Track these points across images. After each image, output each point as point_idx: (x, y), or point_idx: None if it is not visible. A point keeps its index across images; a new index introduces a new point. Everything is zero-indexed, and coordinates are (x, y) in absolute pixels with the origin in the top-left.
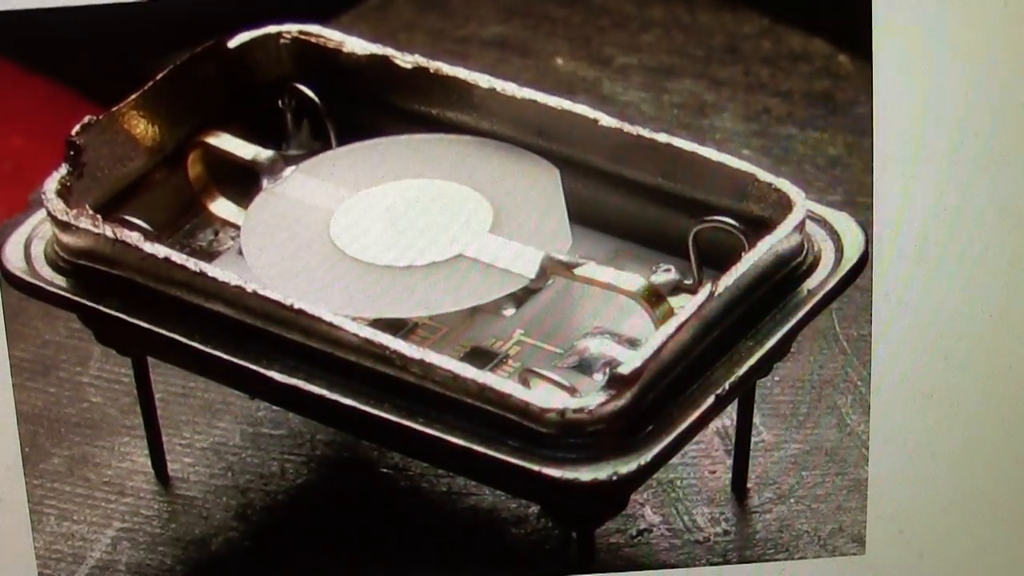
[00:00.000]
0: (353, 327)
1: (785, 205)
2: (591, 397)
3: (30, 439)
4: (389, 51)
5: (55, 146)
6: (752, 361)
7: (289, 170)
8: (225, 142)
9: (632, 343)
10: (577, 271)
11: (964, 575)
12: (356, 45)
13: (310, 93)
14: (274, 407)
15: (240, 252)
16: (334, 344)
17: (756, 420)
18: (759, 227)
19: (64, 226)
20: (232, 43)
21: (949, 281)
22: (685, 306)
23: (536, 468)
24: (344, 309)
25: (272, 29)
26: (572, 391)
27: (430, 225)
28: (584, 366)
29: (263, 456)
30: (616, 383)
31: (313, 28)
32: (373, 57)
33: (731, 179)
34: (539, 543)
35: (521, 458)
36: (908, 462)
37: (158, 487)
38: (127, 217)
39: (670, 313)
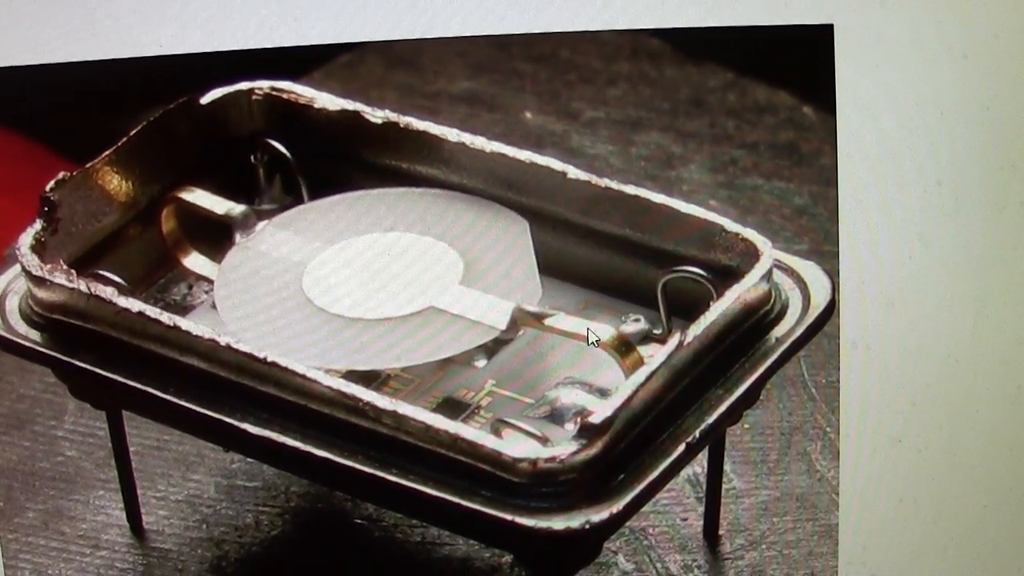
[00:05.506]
0: (326, 379)
1: (752, 254)
2: (563, 446)
3: (4, 493)
4: (360, 107)
5: (29, 202)
6: (722, 409)
7: (262, 224)
8: (198, 197)
9: (602, 393)
10: (547, 322)
11: None
12: (327, 101)
13: (282, 148)
14: (248, 459)
15: (214, 306)
16: (307, 396)
17: (727, 467)
18: (727, 276)
19: (39, 281)
20: (205, 100)
21: (915, 327)
22: (655, 355)
23: (509, 517)
24: (317, 361)
25: (244, 86)
26: (544, 441)
27: (401, 278)
28: (555, 416)
29: (237, 508)
30: (587, 432)
31: (284, 84)
32: (344, 113)
33: (698, 229)
34: None
35: (494, 508)
36: (877, 507)
37: (133, 540)
38: (101, 272)
39: (640, 362)
